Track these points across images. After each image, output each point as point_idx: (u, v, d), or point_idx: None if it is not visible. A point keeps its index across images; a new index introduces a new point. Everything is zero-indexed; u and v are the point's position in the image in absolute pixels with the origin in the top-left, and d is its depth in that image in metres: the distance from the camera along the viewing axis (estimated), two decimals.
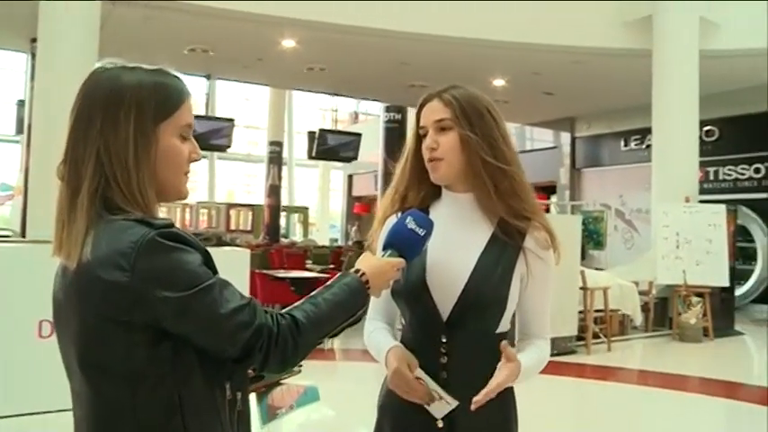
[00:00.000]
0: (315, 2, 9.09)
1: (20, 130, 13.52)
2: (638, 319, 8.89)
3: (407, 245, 1.48)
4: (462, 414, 1.51)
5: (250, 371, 1.30)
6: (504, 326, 1.59)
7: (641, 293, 9.09)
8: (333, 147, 14.95)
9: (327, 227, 27.88)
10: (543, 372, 1.68)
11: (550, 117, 15.55)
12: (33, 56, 9.28)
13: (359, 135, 15.36)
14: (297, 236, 24.05)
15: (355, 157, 15.34)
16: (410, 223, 1.49)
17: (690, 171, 9.79)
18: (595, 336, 8.04)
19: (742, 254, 11.01)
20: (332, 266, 12.49)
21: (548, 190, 16.51)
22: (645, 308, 9.19)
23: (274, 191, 20.93)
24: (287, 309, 1.26)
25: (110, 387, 1.15)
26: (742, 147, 12.58)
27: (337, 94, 15.22)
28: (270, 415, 1.49)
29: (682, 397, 6.31)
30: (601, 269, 10.37)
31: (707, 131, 11.98)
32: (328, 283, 1.35)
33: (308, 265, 12.30)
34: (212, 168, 25.72)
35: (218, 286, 1.16)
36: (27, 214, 8.44)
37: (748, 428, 5.57)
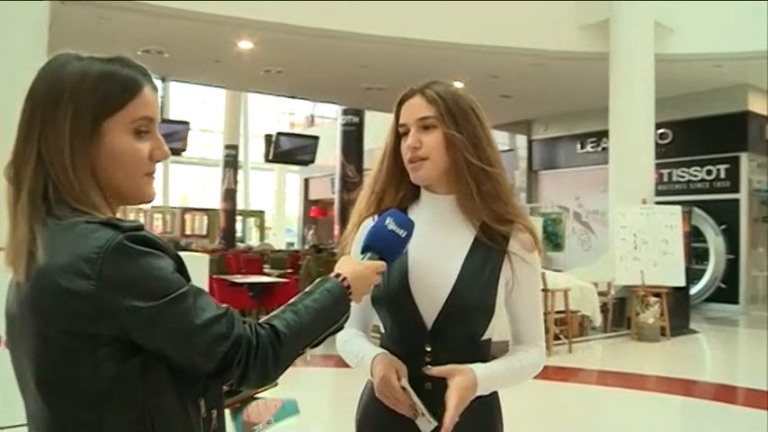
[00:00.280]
0: (272, 3, 8.97)
1: None
2: (598, 319, 8.96)
3: (388, 247, 1.40)
4: None
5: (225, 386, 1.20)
6: (489, 332, 1.53)
7: (600, 294, 9.17)
8: (290, 150, 14.82)
9: (284, 231, 27.72)
10: None
11: (507, 120, 15.63)
12: None
13: (316, 138, 15.27)
14: (253, 240, 23.85)
15: (312, 161, 15.24)
16: (390, 224, 1.41)
17: (646, 173, 9.92)
18: (556, 337, 8.07)
19: (695, 254, 11.19)
20: (290, 271, 12.35)
21: None
22: (604, 308, 9.26)
23: (230, 195, 20.70)
24: (265, 318, 1.16)
25: (73, 408, 1.04)
26: (694, 149, 12.82)
27: (294, 97, 15.11)
28: None
29: (641, 396, 6.36)
30: (559, 270, 10.45)
31: (661, 134, 12.16)
32: (308, 289, 1.26)
33: (265, 270, 12.16)
34: (166, 172, 25.36)
35: (191, 295, 1.06)
36: None
37: (703, 424, 5.66)
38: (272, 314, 1.18)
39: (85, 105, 1.08)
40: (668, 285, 9.13)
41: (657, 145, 10.47)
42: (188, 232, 22.40)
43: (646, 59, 9.79)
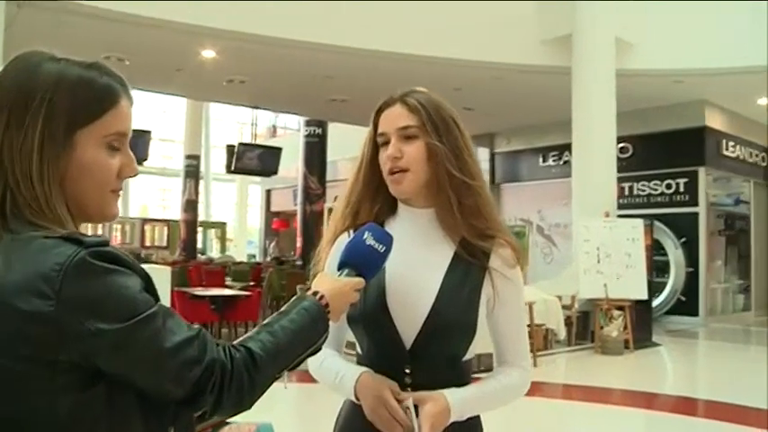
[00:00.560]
0: (236, 12, 8.87)
1: None
2: (562, 333, 8.98)
3: (366, 263, 1.33)
4: None
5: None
6: (471, 352, 1.46)
7: (564, 308, 9.19)
8: (252, 161, 14.65)
9: (245, 243, 27.51)
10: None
11: (470, 133, 15.47)
12: None
13: (279, 149, 15.13)
14: (214, 252, 23.61)
15: (275, 172, 15.10)
16: (368, 239, 1.34)
17: (608, 187, 10.00)
18: None
19: (655, 267, 11.31)
20: (252, 284, 12.21)
21: None
22: (568, 322, 9.29)
23: (191, 206, 20.45)
24: (240, 340, 1.08)
25: None
26: (655, 163, 13.00)
27: (257, 107, 14.95)
28: None
29: (606, 410, 6.36)
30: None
31: (621, 148, 12.29)
32: (284, 308, 1.18)
33: (227, 283, 12.00)
34: (126, 182, 24.63)
35: (161, 316, 0.97)
36: None
37: None
38: (246, 336, 1.10)
39: (60, 111, 0.99)
40: (631, 298, 9.19)
41: (618, 159, 10.58)
42: (148, 243, 22.12)
43: (607, 74, 9.89)
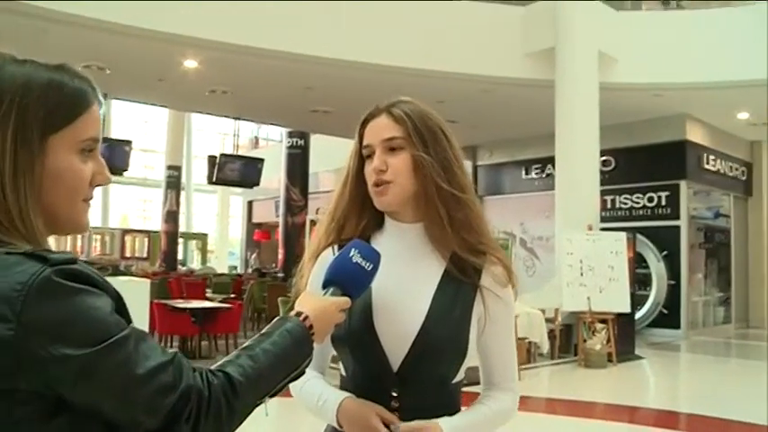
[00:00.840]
0: (218, 22, 8.80)
1: None
2: (545, 346, 8.94)
3: (352, 281, 1.27)
4: None
5: None
6: (461, 374, 1.40)
7: (547, 321, 9.16)
8: (233, 172, 14.54)
9: (226, 254, 27.36)
10: None
11: None
12: None
13: (261, 160, 15.04)
14: (195, 263, 23.44)
15: (257, 183, 15.00)
16: (355, 256, 1.28)
17: (591, 200, 10.01)
18: None
19: (637, 279, 11.33)
20: (233, 296, 12.10)
21: None
22: (551, 335, 9.26)
23: (172, 217, 20.29)
24: (218, 364, 1.01)
25: None
26: (637, 176, 13.04)
27: (240, 118, 14.87)
28: None
29: (589, 424, 6.32)
30: None
31: (604, 161, 12.34)
32: (266, 329, 1.11)
33: (208, 295, 11.86)
34: (106, 192, 24.83)
35: (133, 339, 0.90)
36: None
37: None
38: (225, 360, 1.03)
39: (32, 116, 0.92)
40: (614, 311, 9.18)
41: (601, 172, 10.61)
42: (128, 254, 21.93)
43: (590, 87, 9.93)
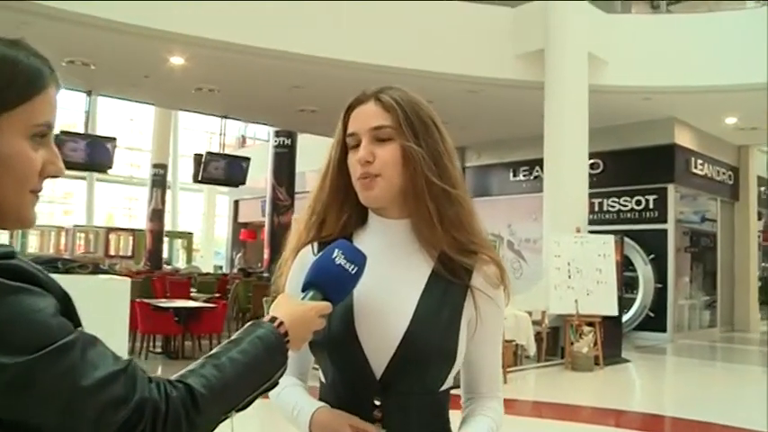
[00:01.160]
0: (205, 18, 8.69)
1: None
2: (532, 349, 8.87)
3: (335, 285, 1.17)
4: None
5: None
6: (449, 382, 1.30)
7: (534, 323, 9.10)
8: (218, 170, 14.40)
9: (212, 253, 27.23)
10: None
11: None
12: None
13: (248, 159, 14.91)
14: (180, 262, 23.29)
15: (243, 182, 14.86)
16: (338, 257, 1.17)
17: (580, 202, 9.97)
18: None
19: (624, 282, 11.31)
20: (218, 295, 11.99)
21: None
22: (538, 338, 9.20)
23: (157, 215, 20.10)
24: (179, 374, 0.91)
25: None
26: (625, 180, 13.03)
27: (227, 117, 14.73)
28: None
29: (576, 428, 6.26)
30: None
31: (592, 164, 12.31)
32: (236, 335, 1.01)
33: (192, 294, 11.74)
34: (91, 190, 24.67)
35: (79, 346, 0.80)
36: None
37: None
38: (187, 369, 0.92)
39: None
40: (602, 314, 9.14)
41: (589, 175, 10.57)
42: (112, 253, 21.71)
43: (580, 89, 9.88)
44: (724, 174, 14.48)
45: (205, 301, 10.10)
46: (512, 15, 10.56)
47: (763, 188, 16.26)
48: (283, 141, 16.22)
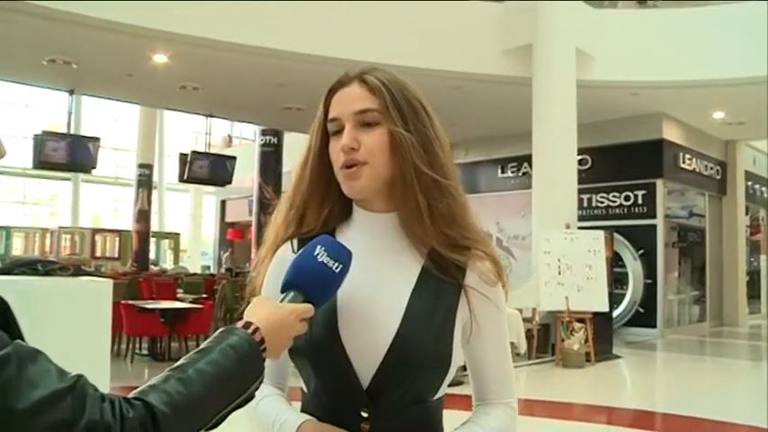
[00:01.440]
0: (188, 15, 8.55)
1: None
2: (523, 346, 8.80)
3: (317, 285, 1.06)
4: None
5: None
6: (443, 390, 1.19)
7: (525, 320, 9.04)
8: (206, 170, 14.26)
9: (199, 254, 27.06)
10: None
11: None
12: None
13: (233, 158, 14.77)
14: (167, 263, 23.10)
15: (229, 182, 14.73)
16: (321, 255, 1.06)
17: (569, 198, 9.91)
18: None
19: (614, 278, 11.28)
20: (204, 296, 11.85)
21: None
22: (528, 335, 9.14)
23: (143, 216, 19.89)
24: (138, 390, 0.80)
25: None
26: (613, 175, 12.99)
27: (212, 116, 14.58)
28: None
29: (568, 426, 6.20)
30: None
31: (580, 160, 12.25)
32: (205, 344, 0.90)
33: (179, 295, 11.61)
34: (76, 191, 24.45)
35: (14, 361, 0.69)
36: None
37: None
38: (148, 384, 0.81)
39: None
40: (593, 310, 9.08)
41: (577, 171, 10.51)
42: (98, 254, 21.47)
43: (568, 85, 9.82)
44: (712, 169, 14.48)
45: (192, 302, 9.99)
46: (499, 11, 10.48)
47: (750, 183, 16.29)
48: (270, 140, 16.08)
